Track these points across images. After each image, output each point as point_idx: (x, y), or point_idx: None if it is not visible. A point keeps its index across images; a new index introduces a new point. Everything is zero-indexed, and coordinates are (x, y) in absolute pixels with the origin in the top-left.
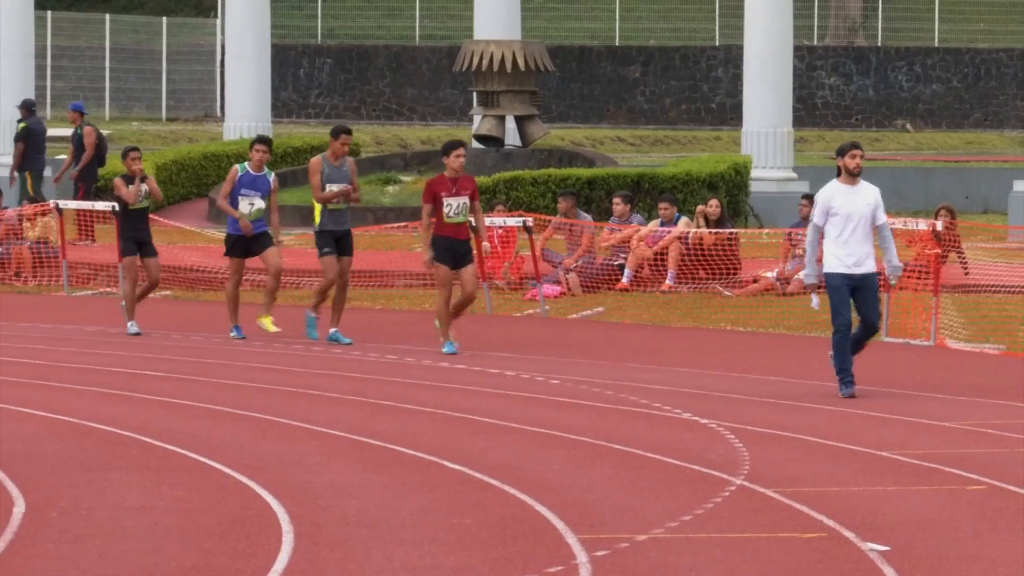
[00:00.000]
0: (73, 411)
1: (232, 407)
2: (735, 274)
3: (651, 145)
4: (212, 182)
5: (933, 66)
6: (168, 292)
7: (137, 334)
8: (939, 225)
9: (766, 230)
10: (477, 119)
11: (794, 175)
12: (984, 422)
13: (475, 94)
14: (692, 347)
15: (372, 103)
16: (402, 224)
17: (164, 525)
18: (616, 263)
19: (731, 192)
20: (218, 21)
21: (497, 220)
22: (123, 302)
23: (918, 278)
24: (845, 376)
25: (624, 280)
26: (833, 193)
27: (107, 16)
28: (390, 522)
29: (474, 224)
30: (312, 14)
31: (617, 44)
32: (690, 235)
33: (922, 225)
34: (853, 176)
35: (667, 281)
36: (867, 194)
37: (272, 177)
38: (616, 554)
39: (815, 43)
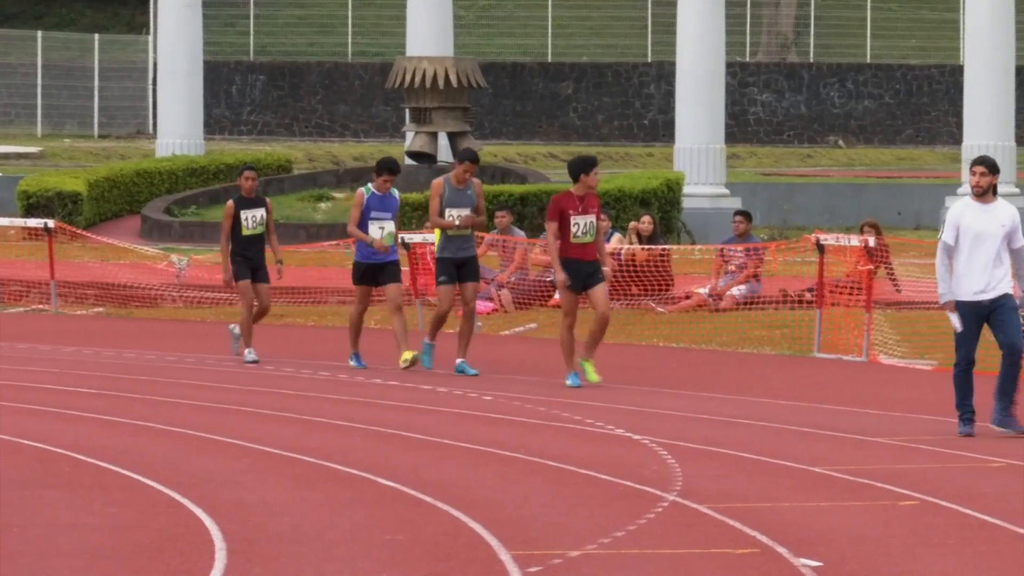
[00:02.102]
0: (4, 428)
1: (165, 424)
2: (667, 290)
3: None
4: (145, 199)
5: (865, 82)
6: (101, 309)
7: (256, 361)
8: (871, 241)
9: (698, 246)
10: (409, 136)
11: (726, 191)
12: (916, 438)
13: (407, 111)
14: (625, 363)
15: (304, 120)
16: (335, 241)
17: (97, 542)
18: (549, 279)
19: (664, 208)
20: (150, 38)
21: (430, 237)
22: (235, 328)
23: (850, 294)
24: (964, 412)
25: (557, 296)
26: (963, 210)
27: (39, 33)
28: (323, 539)
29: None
30: (244, 31)
31: (549, 60)
32: (623, 251)
33: (855, 241)
34: (980, 194)
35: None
36: (1002, 214)
37: (365, 191)
38: (549, 570)
39: (747, 60)
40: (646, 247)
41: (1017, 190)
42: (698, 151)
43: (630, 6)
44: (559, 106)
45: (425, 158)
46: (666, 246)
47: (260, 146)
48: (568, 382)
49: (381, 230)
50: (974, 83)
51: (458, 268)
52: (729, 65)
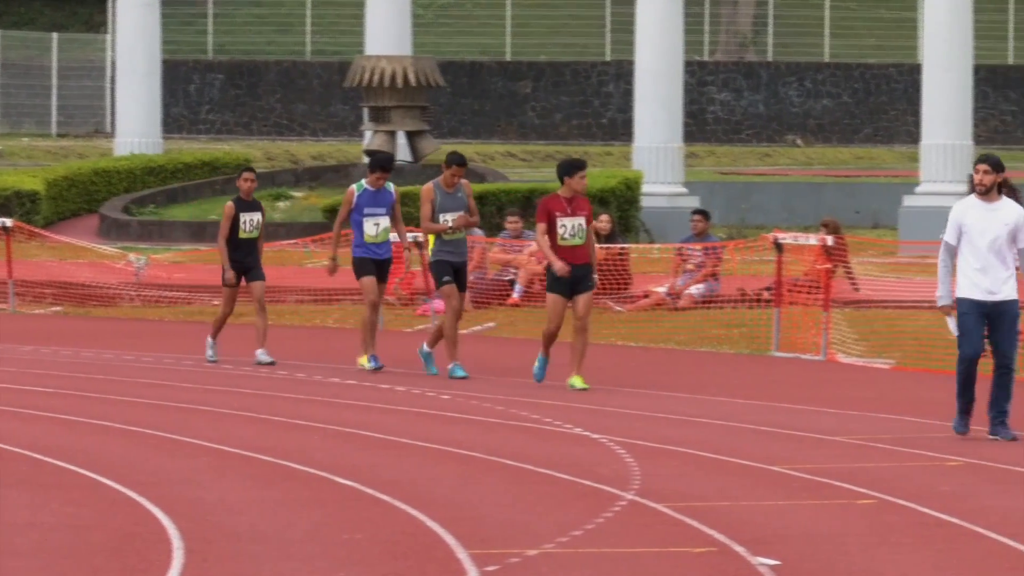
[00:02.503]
0: None
1: (123, 423)
2: (626, 289)
3: (542, 160)
4: (103, 198)
5: (823, 81)
6: (59, 308)
7: (272, 363)
8: (829, 240)
9: (657, 245)
10: (368, 135)
11: (685, 190)
12: (874, 437)
13: (366, 110)
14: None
15: (263, 119)
16: (293, 240)
17: (55, 542)
18: (507, 278)
19: (622, 207)
20: (109, 37)
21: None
22: (210, 336)
23: (808, 293)
24: (964, 403)
25: (515, 295)
26: (966, 209)
27: None
28: (281, 538)
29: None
30: (203, 30)
31: (508, 59)
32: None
33: (813, 240)
34: (984, 193)
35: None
36: (1006, 213)
37: (356, 187)
38: (506, 569)
39: (706, 58)
40: (605, 246)
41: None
42: (656, 150)
43: (589, 5)
44: (517, 105)
45: None
46: (624, 245)
47: (218, 145)
48: (535, 373)
49: (376, 226)
50: (932, 82)
51: (456, 272)
52: (687, 64)
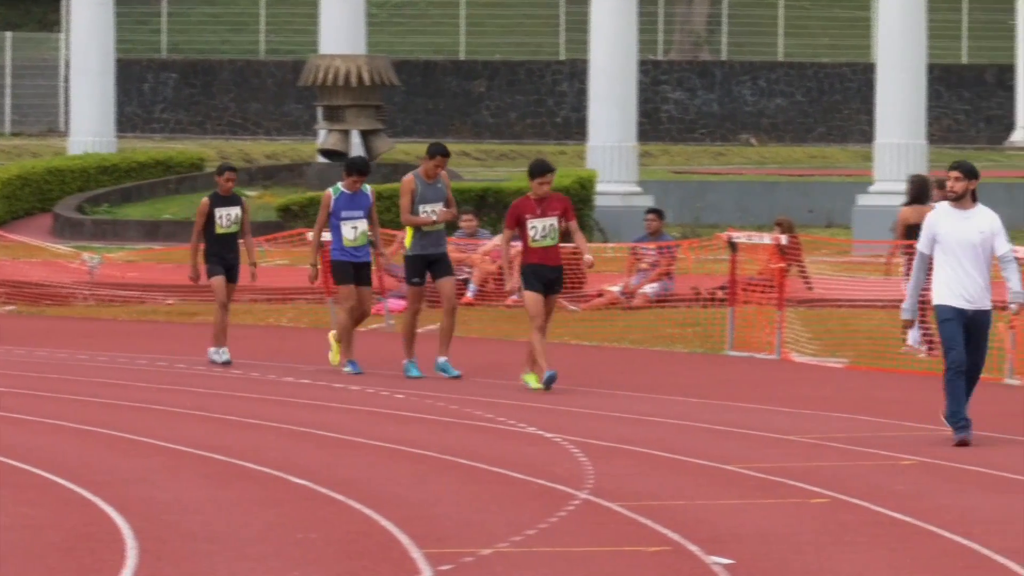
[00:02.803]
0: None
1: (77, 423)
2: (580, 288)
3: (496, 159)
4: (56, 197)
5: (777, 80)
6: (12, 307)
7: (228, 363)
8: (783, 239)
9: (611, 244)
10: (322, 134)
11: (639, 189)
12: (828, 436)
13: (320, 109)
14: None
15: (217, 118)
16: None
17: (8, 541)
18: (461, 278)
19: (576, 206)
20: (62, 36)
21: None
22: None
23: (762, 292)
24: (958, 420)
25: (469, 295)
26: (940, 217)
27: None
28: (235, 537)
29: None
30: (157, 29)
31: (462, 58)
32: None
33: (767, 239)
34: (956, 200)
35: (512, 296)
36: (981, 220)
37: (333, 191)
38: (461, 568)
39: (660, 58)
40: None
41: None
42: (611, 149)
43: (543, 4)
44: (472, 104)
45: (338, 156)
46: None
47: (172, 144)
48: (531, 385)
49: (354, 229)
50: (886, 81)
51: (431, 264)
52: (642, 63)
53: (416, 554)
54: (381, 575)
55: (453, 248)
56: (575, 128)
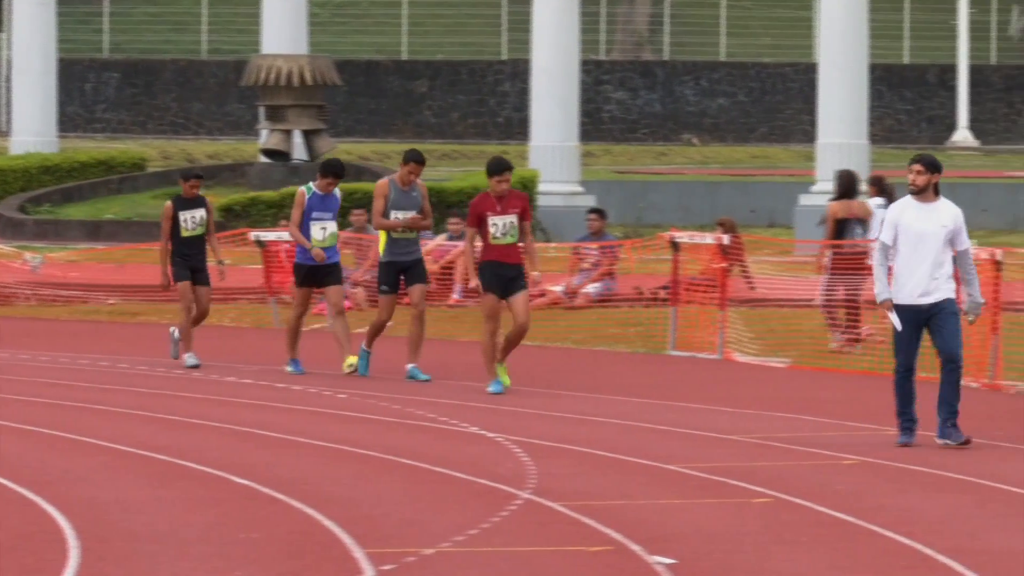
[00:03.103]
0: None
1: (18, 422)
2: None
3: (438, 159)
4: None
5: (719, 80)
6: None
7: (197, 366)
8: (725, 239)
9: (553, 244)
10: (264, 133)
11: (581, 189)
12: (770, 435)
13: (262, 109)
14: (479, 361)
15: (159, 117)
16: None
17: None
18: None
19: None
20: (3, 35)
21: (284, 235)
22: (174, 331)
23: (704, 292)
24: (904, 420)
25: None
26: (903, 209)
27: None
28: (177, 537)
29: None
30: (99, 28)
31: (404, 58)
32: (477, 250)
33: (709, 239)
34: (919, 193)
35: (454, 295)
36: (944, 214)
37: (306, 190)
38: (403, 568)
39: (602, 57)
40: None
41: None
42: (552, 149)
43: (485, 4)
44: (414, 104)
45: (280, 156)
46: (521, 244)
47: (114, 144)
48: (490, 389)
49: (323, 231)
50: (828, 81)
51: (404, 271)
52: (584, 63)
53: (358, 554)
54: (323, 575)
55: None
56: (517, 128)
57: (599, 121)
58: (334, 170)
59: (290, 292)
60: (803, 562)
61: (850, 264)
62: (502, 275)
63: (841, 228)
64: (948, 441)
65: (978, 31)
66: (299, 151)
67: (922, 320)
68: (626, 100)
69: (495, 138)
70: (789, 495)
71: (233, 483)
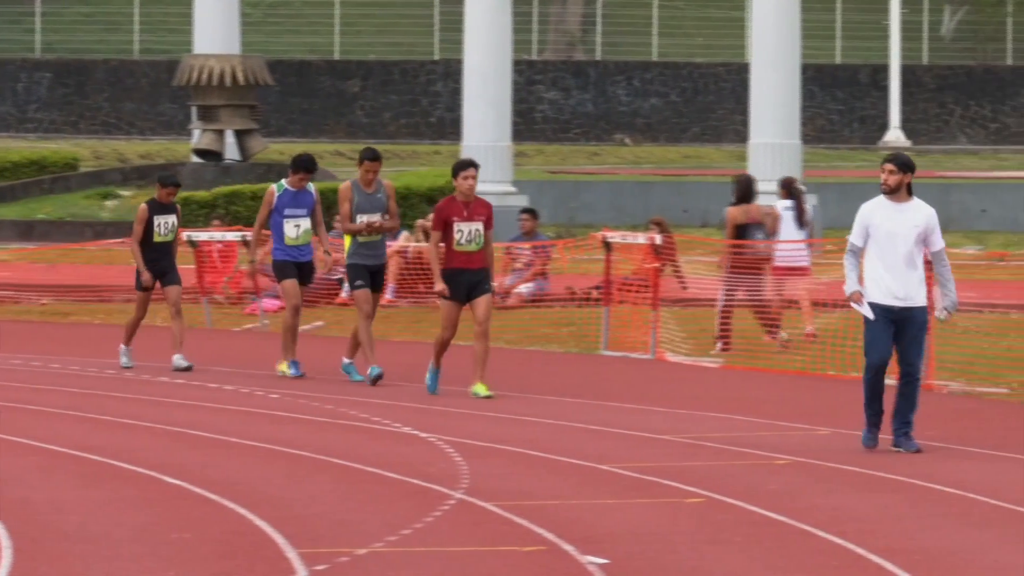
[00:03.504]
0: None
1: None
2: None
3: None
4: None
5: (652, 80)
6: None
7: (129, 367)
8: (658, 239)
9: None
10: (196, 133)
11: (514, 189)
12: (703, 435)
13: (194, 108)
14: (411, 361)
15: (91, 117)
16: (120, 239)
17: None
18: (335, 277)
19: None
20: None
21: (216, 235)
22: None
23: (637, 292)
24: (872, 415)
25: (344, 294)
26: (874, 209)
27: None
28: (109, 537)
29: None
30: (30, 28)
31: (336, 58)
32: (410, 249)
33: (641, 239)
34: (889, 193)
35: (387, 295)
36: (916, 214)
37: (277, 187)
38: (336, 568)
39: (534, 57)
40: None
41: (803, 188)
42: (485, 149)
43: (417, 4)
44: (346, 104)
45: (212, 156)
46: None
47: (46, 144)
48: (428, 385)
49: (297, 228)
50: (760, 81)
51: (371, 275)
52: (516, 63)
53: (291, 554)
54: (256, 575)
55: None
56: (449, 128)
57: (532, 121)
58: (304, 165)
59: (221, 292)
60: (736, 562)
61: (752, 267)
62: (465, 281)
63: (741, 232)
64: (900, 449)
65: (910, 31)
66: (231, 151)
67: (892, 320)
68: (558, 100)
69: (427, 138)
70: (722, 495)
71: (165, 483)
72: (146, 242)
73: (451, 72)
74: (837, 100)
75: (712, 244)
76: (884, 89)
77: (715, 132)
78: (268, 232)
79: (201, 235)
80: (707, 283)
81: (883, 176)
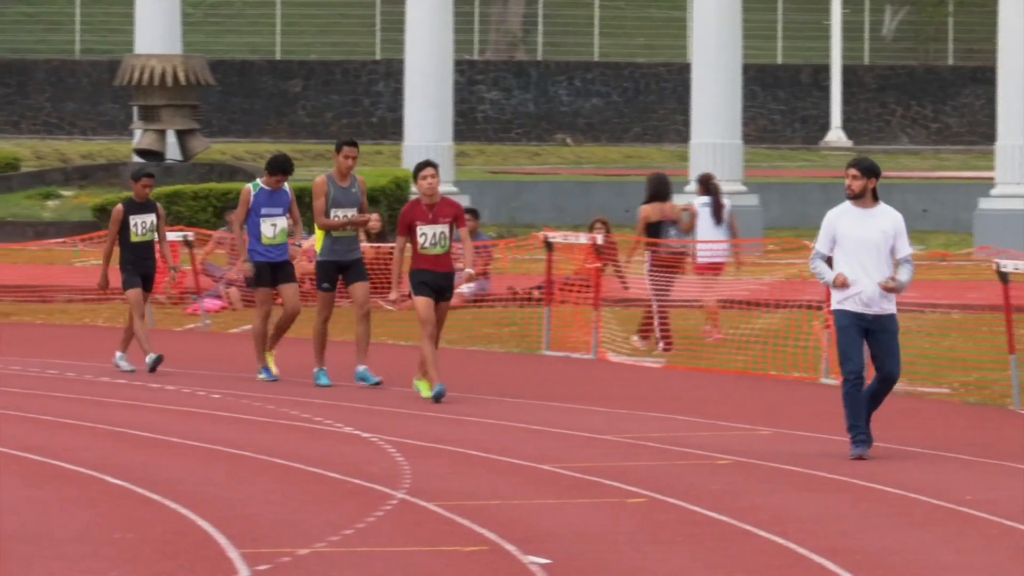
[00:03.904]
0: None
1: None
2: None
3: (312, 159)
4: None
5: (593, 80)
6: None
7: (133, 371)
8: (599, 239)
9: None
10: (138, 133)
11: (455, 189)
12: (644, 435)
13: (136, 108)
14: (353, 361)
15: (32, 117)
16: (62, 239)
17: None
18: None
19: (393, 207)
20: None
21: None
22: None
23: (578, 292)
24: (857, 434)
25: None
26: (840, 215)
27: None
28: (51, 537)
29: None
30: None
31: (278, 58)
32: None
33: (583, 239)
34: (854, 198)
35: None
36: (883, 220)
37: (253, 187)
38: (278, 568)
39: (476, 57)
40: (375, 245)
41: (744, 188)
42: (426, 149)
43: (359, 4)
44: (288, 104)
45: (154, 156)
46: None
47: None
48: (423, 393)
49: (274, 227)
50: (701, 81)
51: (343, 270)
52: (458, 63)
53: (233, 554)
54: (198, 575)
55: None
56: (391, 128)
57: (473, 121)
58: (282, 167)
59: (163, 292)
60: (678, 562)
61: (670, 265)
62: (433, 283)
63: (654, 230)
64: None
65: (851, 31)
66: (173, 151)
67: (866, 327)
68: (500, 100)
69: (369, 138)
70: (664, 495)
71: (107, 483)
72: (124, 243)
73: (393, 72)
74: (778, 100)
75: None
76: (825, 89)
77: (656, 132)
78: (211, 232)
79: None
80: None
81: (847, 181)
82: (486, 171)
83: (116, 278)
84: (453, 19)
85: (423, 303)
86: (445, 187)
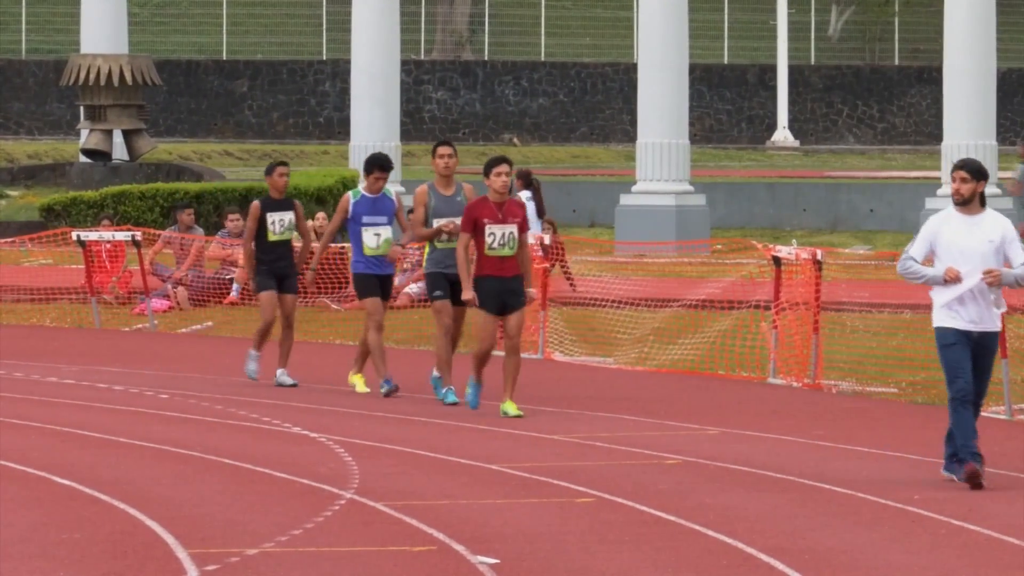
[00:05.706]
0: None
1: None
2: (344, 288)
3: (259, 159)
4: None
5: (540, 80)
6: None
7: (296, 384)
8: (547, 239)
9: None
10: (84, 133)
11: (402, 189)
12: (592, 435)
13: (82, 108)
14: (301, 361)
15: None
16: (10, 239)
17: None
18: (227, 277)
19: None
20: None
21: (105, 235)
22: (252, 350)
23: None
24: (966, 452)
25: (233, 294)
26: (943, 223)
27: None
28: None
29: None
30: None
31: (224, 58)
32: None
33: (530, 239)
34: (965, 204)
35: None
36: (991, 228)
37: (353, 194)
38: (226, 568)
39: (422, 57)
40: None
41: (691, 188)
42: (373, 149)
43: (305, 4)
44: (234, 104)
45: (100, 155)
46: (343, 244)
47: None
48: (469, 400)
49: (377, 236)
50: (648, 81)
51: (452, 284)
52: (404, 63)
53: (181, 554)
54: (146, 575)
55: (215, 247)
56: (338, 128)
57: (420, 121)
58: (379, 163)
59: (109, 292)
60: (626, 561)
61: None
62: (497, 289)
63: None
64: (949, 475)
65: (797, 31)
66: (119, 151)
67: (972, 343)
68: (447, 100)
69: (316, 138)
70: (612, 495)
71: (55, 483)
72: (260, 242)
73: (339, 72)
74: (725, 100)
75: (600, 244)
76: (772, 89)
77: (603, 132)
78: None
79: (90, 235)
80: (596, 283)
81: (955, 185)
82: (432, 172)
83: (9, 276)
84: (399, 19)
85: (485, 319)
86: (392, 187)
